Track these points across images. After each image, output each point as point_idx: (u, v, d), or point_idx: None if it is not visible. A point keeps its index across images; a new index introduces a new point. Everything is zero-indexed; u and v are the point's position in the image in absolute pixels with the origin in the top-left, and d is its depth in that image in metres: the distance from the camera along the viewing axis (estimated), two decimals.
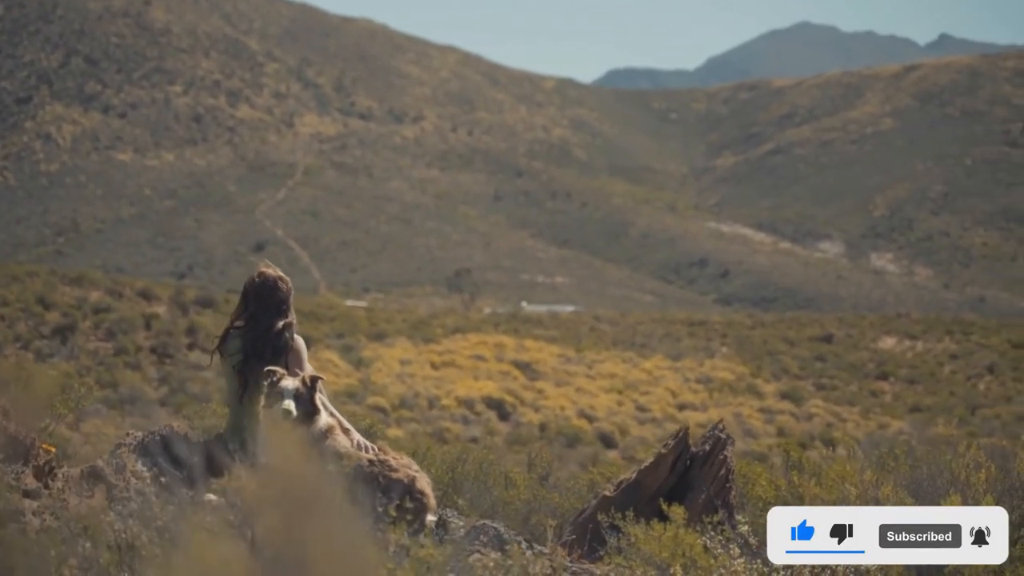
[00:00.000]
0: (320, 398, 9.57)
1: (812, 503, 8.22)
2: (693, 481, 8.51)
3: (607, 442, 52.95)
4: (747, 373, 72.48)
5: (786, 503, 8.45)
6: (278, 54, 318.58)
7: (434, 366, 63.42)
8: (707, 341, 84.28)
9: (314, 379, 9.51)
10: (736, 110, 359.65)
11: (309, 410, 9.33)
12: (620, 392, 63.14)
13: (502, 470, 10.77)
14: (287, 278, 10.56)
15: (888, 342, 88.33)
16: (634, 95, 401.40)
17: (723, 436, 8.70)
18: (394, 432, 49.49)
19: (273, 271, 10.54)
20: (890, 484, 7.59)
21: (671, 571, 5.76)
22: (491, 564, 5.90)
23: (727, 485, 8.52)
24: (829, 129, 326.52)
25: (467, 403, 56.05)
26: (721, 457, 8.53)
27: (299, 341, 10.35)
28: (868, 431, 61.07)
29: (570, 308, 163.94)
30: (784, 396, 67.41)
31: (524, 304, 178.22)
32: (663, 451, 8.58)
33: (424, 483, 9.03)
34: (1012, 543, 7.09)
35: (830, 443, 59.07)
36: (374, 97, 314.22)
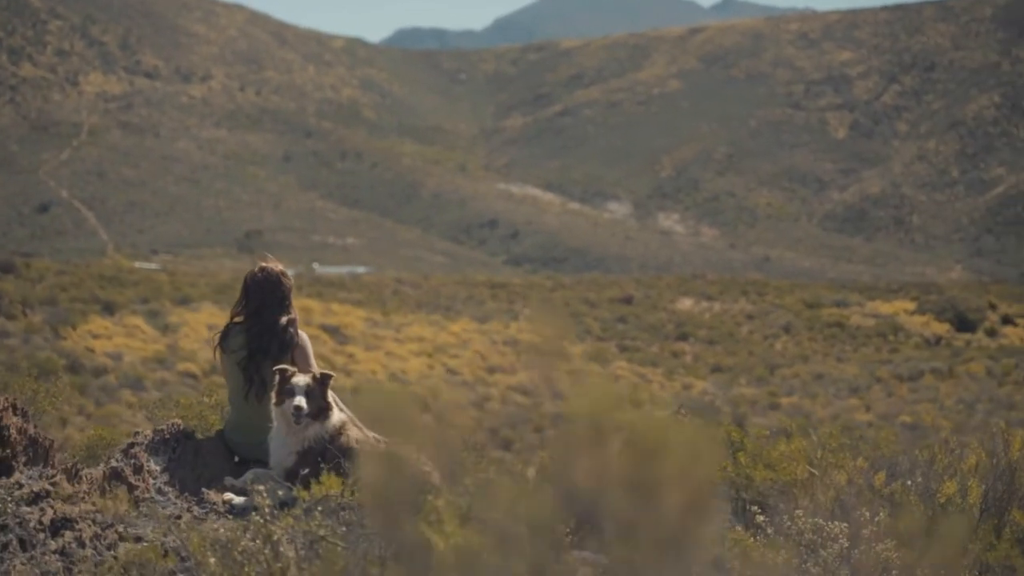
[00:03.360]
0: (331, 394, 9.56)
1: (765, 485, 8.45)
2: None
3: (421, 406, 53.02)
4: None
5: (734, 485, 8.67)
6: (61, 11, 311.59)
7: None
8: (510, 304, 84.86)
9: (325, 376, 9.49)
10: (525, 71, 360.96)
11: (322, 406, 9.34)
12: (430, 355, 63.40)
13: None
14: (288, 272, 10.49)
15: (686, 303, 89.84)
16: (423, 55, 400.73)
17: None
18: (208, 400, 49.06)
19: (275, 265, 10.44)
20: (883, 471, 7.80)
21: (727, 565, 5.93)
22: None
23: None
24: (616, 90, 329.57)
25: None
26: None
27: (304, 337, 10.31)
28: (674, 392, 62.20)
29: (362, 269, 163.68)
30: (590, 358, 68.22)
31: (316, 265, 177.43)
32: None
33: (437, 478, 9.09)
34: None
35: (638, 404, 60.07)
36: (160, 56, 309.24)
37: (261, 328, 10.19)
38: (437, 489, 8.79)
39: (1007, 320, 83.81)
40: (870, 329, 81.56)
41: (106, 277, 74.13)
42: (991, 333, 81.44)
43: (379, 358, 60.27)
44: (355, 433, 9.38)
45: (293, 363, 9.92)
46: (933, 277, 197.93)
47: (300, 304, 52.11)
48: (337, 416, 9.41)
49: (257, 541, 5.41)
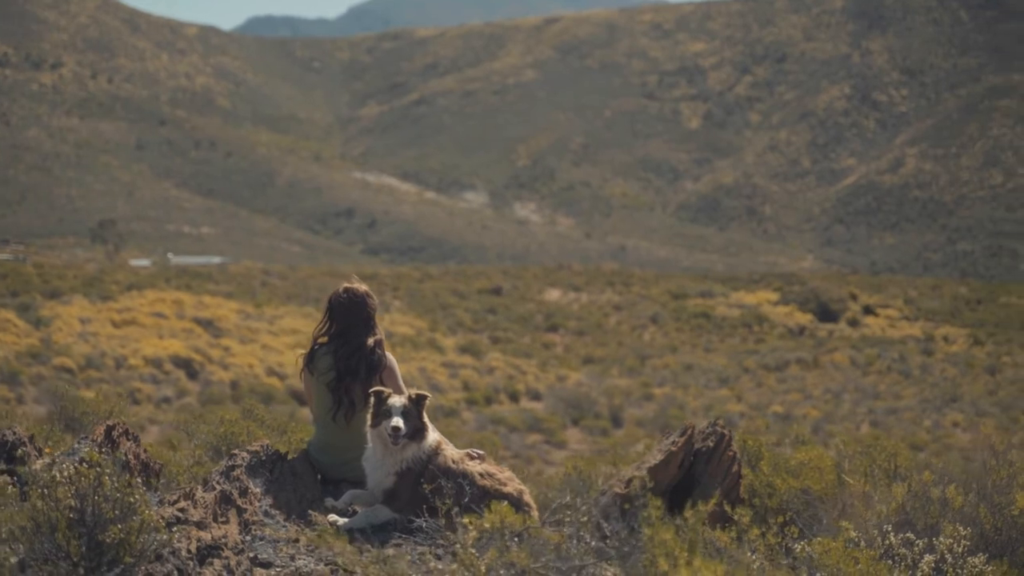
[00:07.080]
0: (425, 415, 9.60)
1: (789, 494, 8.62)
2: (699, 477, 8.85)
3: (301, 399, 52.87)
4: (425, 327, 73.18)
5: (755, 492, 8.82)
6: None
7: (115, 324, 62.12)
8: (380, 295, 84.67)
9: (421, 396, 9.53)
10: (380, 60, 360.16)
11: (419, 426, 9.38)
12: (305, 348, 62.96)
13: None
14: (373, 293, 10.52)
15: (553, 294, 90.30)
16: (277, 43, 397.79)
17: (725, 432, 9.06)
18: (87, 393, 48.45)
19: (360, 286, 10.46)
20: (952, 486, 7.91)
21: None
22: None
23: (739, 481, 8.89)
24: (472, 80, 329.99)
25: (155, 362, 55.11)
26: (730, 453, 8.86)
27: (391, 358, 10.34)
28: (548, 383, 62.40)
29: (217, 259, 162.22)
30: (464, 350, 68.29)
31: (170, 255, 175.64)
32: (672, 448, 8.87)
33: (529, 496, 9.16)
34: None
35: (514, 396, 60.36)
36: (10, 42, 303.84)
37: (349, 350, 10.24)
38: (530, 506, 8.90)
39: (868, 310, 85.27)
40: (735, 319, 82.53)
41: None
42: (853, 323, 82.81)
43: (255, 351, 59.74)
44: (451, 452, 9.45)
45: (382, 384, 9.97)
46: (786, 267, 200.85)
47: (172, 296, 51.39)
48: (433, 436, 9.46)
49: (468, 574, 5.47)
